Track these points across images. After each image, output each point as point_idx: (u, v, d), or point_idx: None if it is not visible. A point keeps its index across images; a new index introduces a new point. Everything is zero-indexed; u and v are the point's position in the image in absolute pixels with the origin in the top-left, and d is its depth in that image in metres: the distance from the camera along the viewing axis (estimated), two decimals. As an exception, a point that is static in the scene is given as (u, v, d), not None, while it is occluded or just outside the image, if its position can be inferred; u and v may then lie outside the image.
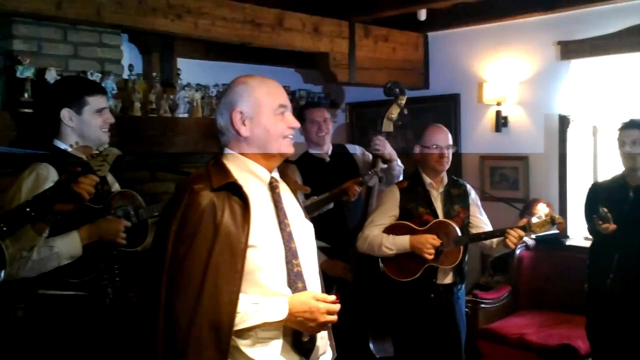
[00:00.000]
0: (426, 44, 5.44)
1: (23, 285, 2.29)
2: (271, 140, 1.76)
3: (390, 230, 3.10)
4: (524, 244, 4.59)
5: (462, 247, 3.06)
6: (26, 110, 3.20)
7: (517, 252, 4.57)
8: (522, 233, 2.94)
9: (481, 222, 3.21)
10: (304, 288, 1.72)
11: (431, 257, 2.98)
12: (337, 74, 4.73)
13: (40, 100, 3.15)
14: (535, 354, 3.86)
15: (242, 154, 1.76)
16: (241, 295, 1.61)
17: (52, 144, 2.43)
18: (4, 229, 1.75)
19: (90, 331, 2.37)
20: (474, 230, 3.16)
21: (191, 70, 4.45)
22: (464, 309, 3.28)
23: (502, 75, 4.91)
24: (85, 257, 2.29)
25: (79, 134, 2.39)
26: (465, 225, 3.16)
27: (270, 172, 1.80)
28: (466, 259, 3.17)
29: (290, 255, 1.71)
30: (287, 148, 1.79)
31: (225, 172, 1.71)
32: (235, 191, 1.67)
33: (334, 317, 1.70)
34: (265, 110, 1.75)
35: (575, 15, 4.56)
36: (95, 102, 2.42)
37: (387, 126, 3.40)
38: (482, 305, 4.22)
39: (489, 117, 5.05)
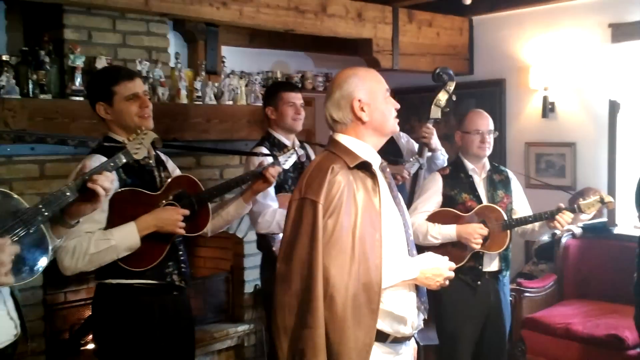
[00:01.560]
0: (471, 28, 5.35)
1: (90, 274, 2.32)
2: (387, 121, 1.97)
3: (435, 217, 3.09)
4: (571, 232, 4.50)
5: (508, 232, 3.03)
6: (77, 98, 3.30)
7: (564, 240, 4.48)
8: (571, 215, 2.90)
9: (524, 207, 3.18)
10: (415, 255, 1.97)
11: (479, 246, 2.96)
12: (380, 60, 4.70)
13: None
14: (582, 344, 3.80)
15: (357, 138, 1.96)
16: (385, 258, 1.84)
17: (106, 135, 2.41)
18: (45, 213, 1.74)
19: (160, 319, 2.36)
20: (517, 216, 3.13)
21: (235, 58, 4.50)
22: (508, 297, 3.25)
23: (550, 60, 4.80)
24: (146, 246, 2.25)
25: (118, 124, 2.35)
26: (508, 211, 3.12)
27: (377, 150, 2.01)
28: (510, 245, 3.13)
29: (406, 226, 1.98)
30: (395, 127, 2.00)
31: (353, 153, 1.92)
32: (365, 168, 1.90)
33: (453, 273, 1.96)
34: (379, 95, 1.96)
35: (627, -3, 4.42)
36: (123, 89, 2.32)
37: (435, 113, 3.37)
38: (527, 294, 4.17)
39: (536, 103, 4.95)
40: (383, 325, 1.86)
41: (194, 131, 3.76)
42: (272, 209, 2.98)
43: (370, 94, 1.93)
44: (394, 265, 1.87)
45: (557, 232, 4.29)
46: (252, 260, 4.17)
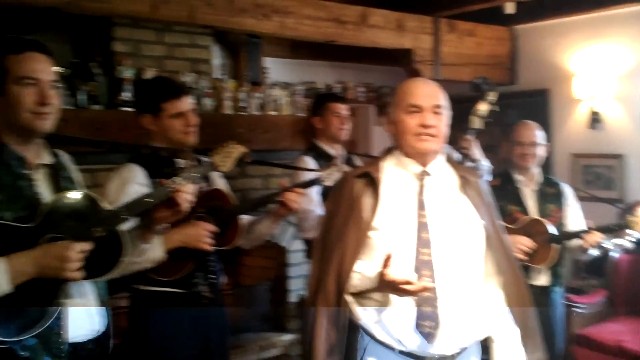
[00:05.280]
0: (513, 37, 5.28)
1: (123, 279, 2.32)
2: (402, 136, 1.94)
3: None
4: (622, 246, 4.37)
5: (556, 247, 2.96)
6: (126, 108, 3.35)
7: (615, 255, 4.36)
8: (600, 235, 2.91)
9: (578, 223, 3.10)
10: (431, 277, 1.82)
11: (521, 257, 2.90)
12: (420, 71, 4.68)
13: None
14: (634, 362, 3.68)
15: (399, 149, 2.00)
16: (360, 263, 1.89)
17: (148, 144, 2.45)
18: (124, 216, 1.79)
19: (187, 328, 2.39)
20: (567, 230, 3.06)
21: (278, 69, 4.54)
22: (560, 313, 3.15)
23: (596, 70, 4.70)
24: (173, 258, 2.29)
25: (162, 137, 2.41)
26: (559, 225, 3.05)
27: (424, 165, 1.94)
28: (563, 260, 3.05)
29: (420, 244, 1.85)
30: (417, 143, 1.91)
31: (374, 163, 2.00)
32: (369, 178, 1.95)
33: (408, 288, 1.76)
34: (397, 109, 1.95)
35: (678, 4, 4.31)
36: (171, 107, 2.38)
37: (476, 123, 3.33)
38: (576, 310, 4.06)
39: (582, 113, 4.84)
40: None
41: (237, 141, 3.77)
42: (315, 214, 2.98)
43: (394, 107, 1.96)
44: (363, 273, 1.87)
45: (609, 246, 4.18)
46: (297, 269, 4.17)
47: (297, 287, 4.21)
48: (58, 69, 1.80)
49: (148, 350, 2.37)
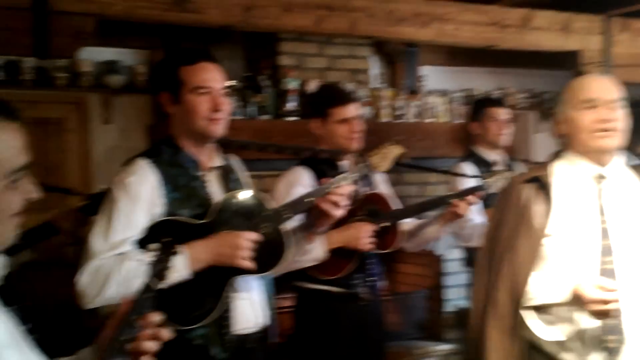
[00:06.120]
0: (699, 33, 4.77)
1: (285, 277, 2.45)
2: (575, 135, 1.82)
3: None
4: None
5: None
6: (291, 118, 3.56)
7: None
8: None
9: None
10: (614, 288, 1.70)
11: None
12: (588, 73, 4.40)
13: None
14: None
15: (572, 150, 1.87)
16: (535, 274, 1.77)
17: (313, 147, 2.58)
18: (285, 215, 1.91)
19: (346, 326, 2.46)
20: None
21: (435, 77, 4.51)
22: None
23: None
24: (334, 258, 2.36)
25: (328, 141, 2.51)
26: None
27: (602, 166, 1.82)
28: None
29: (602, 251, 1.75)
30: (593, 141, 1.78)
31: (542, 167, 1.89)
32: (539, 183, 1.85)
33: (605, 307, 1.63)
34: (569, 107, 1.83)
35: None
36: (337, 113, 2.48)
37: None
38: None
39: None
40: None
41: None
42: (472, 223, 2.93)
43: (565, 105, 1.84)
44: (541, 283, 1.76)
45: None
46: (454, 278, 4.11)
47: (453, 297, 4.14)
48: (231, 82, 1.94)
49: (311, 347, 2.48)
